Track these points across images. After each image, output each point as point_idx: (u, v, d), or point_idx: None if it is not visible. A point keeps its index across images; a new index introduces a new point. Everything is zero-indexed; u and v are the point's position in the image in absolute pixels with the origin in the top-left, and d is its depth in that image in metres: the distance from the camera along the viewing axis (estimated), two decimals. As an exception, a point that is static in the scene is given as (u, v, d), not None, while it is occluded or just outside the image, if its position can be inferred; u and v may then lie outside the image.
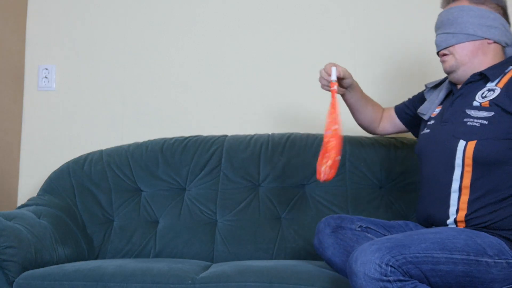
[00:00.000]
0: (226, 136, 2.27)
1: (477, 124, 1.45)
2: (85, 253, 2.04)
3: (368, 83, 2.29)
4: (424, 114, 1.66)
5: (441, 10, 1.63)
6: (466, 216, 1.45)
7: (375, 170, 2.09)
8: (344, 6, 2.40)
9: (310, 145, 2.15)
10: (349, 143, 2.14)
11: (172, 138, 2.28)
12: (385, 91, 2.30)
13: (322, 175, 1.57)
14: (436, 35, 1.60)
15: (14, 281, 1.64)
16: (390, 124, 1.89)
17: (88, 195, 2.18)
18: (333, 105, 1.61)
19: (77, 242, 2.01)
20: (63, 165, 2.27)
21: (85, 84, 2.50)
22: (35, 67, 2.53)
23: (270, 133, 2.27)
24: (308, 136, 2.19)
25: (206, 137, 2.27)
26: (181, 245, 2.06)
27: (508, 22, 1.58)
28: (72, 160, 2.28)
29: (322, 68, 1.72)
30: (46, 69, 2.51)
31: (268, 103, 2.40)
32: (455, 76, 1.59)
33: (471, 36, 1.52)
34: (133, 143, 2.31)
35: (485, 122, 1.44)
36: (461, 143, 1.46)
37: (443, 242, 1.30)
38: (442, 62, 1.60)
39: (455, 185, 1.48)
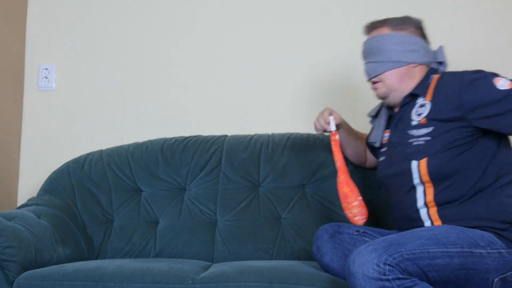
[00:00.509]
0: (226, 136, 2.27)
1: (422, 142, 1.52)
2: (85, 253, 2.04)
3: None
4: (374, 142, 1.75)
5: (365, 37, 1.70)
6: (442, 223, 1.49)
7: (375, 170, 2.09)
8: (344, 6, 2.40)
9: (310, 145, 2.15)
10: (349, 143, 2.15)
11: (172, 138, 2.28)
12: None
13: (357, 220, 1.69)
14: (365, 64, 1.68)
15: (14, 281, 1.64)
16: (372, 157, 1.96)
17: (88, 195, 2.18)
18: (336, 154, 1.72)
19: (77, 242, 2.01)
20: (63, 165, 2.27)
21: (85, 84, 2.50)
22: (35, 67, 2.53)
23: (270, 133, 2.27)
24: (308, 136, 2.19)
25: (206, 137, 2.27)
26: (181, 245, 2.06)
27: (427, 41, 1.67)
28: (72, 160, 2.28)
29: (320, 112, 1.81)
30: (46, 69, 2.51)
31: (268, 103, 2.40)
32: (388, 101, 1.67)
33: (396, 63, 1.60)
34: (133, 143, 2.31)
35: (428, 138, 1.51)
36: (414, 163, 1.52)
37: (437, 237, 1.33)
38: (374, 89, 1.68)
39: (420, 203, 1.54)
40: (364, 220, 1.69)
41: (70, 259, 1.92)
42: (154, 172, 2.19)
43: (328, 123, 1.76)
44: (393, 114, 1.68)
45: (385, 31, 1.63)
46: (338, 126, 1.82)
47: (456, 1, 2.34)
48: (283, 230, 2.04)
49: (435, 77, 1.59)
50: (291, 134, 2.22)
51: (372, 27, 1.67)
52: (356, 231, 1.64)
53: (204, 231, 2.08)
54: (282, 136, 2.22)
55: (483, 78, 1.47)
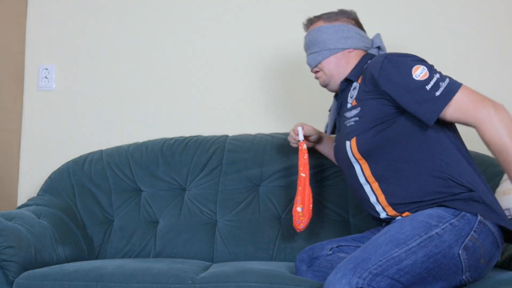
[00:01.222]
0: (227, 136, 2.27)
1: (352, 123, 1.58)
2: (85, 253, 2.04)
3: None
4: (326, 131, 1.85)
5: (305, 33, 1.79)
6: (387, 200, 1.52)
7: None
8: (344, 6, 2.40)
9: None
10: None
11: (172, 138, 2.28)
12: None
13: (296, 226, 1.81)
14: (306, 56, 1.78)
15: (14, 281, 1.64)
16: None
17: (88, 195, 2.18)
18: (300, 160, 1.82)
19: (77, 242, 2.01)
20: (63, 165, 2.27)
21: (85, 84, 2.50)
22: (35, 67, 2.53)
23: (271, 133, 2.27)
24: (308, 136, 2.20)
25: (206, 137, 2.27)
26: (181, 245, 2.06)
27: (363, 29, 1.75)
28: (72, 160, 2.28)
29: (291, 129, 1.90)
30: (46, 69, 2.51)
31: (269, 103, 2.40)
32: (330, 88, 1.76)
33: (332, 50, 1.69)
34: (133, 143, 2.31)
35: (357, 118, 1.57)
36: (347, 143, 1.59)
37: (395, 237, 1.34)
38: (316, 78, 1.78)
39: (362, 179, 1.59)
40: (298, 228, 1.80)
41: (70, 259, 1.92)
42: (154, 172, 2.19)
43: (297, 134, 1.85)
44: (338, 100, 1.76)
45: (320, 24, 1.74)
46: (312, 139, 1.92)
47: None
48: (283, 230, 2.04)
49: (371, 61, 1.61)
50: (291, 134, 2.23)
51: (309, 23, 1.78)
52: (330, 250, 1.64)
53: (204, 231, 2.08)
54: (283, 136, 2.22)
55: (402, 63, 1.49)
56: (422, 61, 1.50)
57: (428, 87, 1.43)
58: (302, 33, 2.40)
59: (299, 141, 1.85)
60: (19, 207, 2.06)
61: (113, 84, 2.49)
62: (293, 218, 1.80)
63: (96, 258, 2.08)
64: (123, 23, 2.51)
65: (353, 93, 1.63)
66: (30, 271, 1.67)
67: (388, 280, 1.28)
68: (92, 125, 2.47)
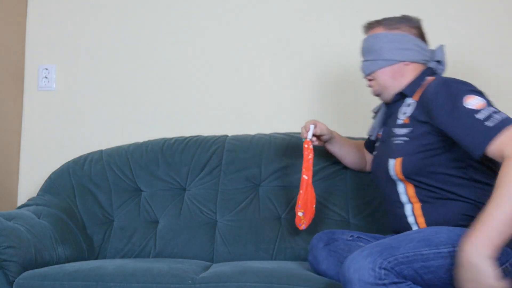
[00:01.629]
0: (227, 136, 2.27)
1: (401, 142, 1.54)
2: (85, 253, 2.04)
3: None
4: (371, 135, 1.80)
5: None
6: (426, 223, 1.51)
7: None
8: (345, 6, 2.40)
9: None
10: (349, 143, 2.15)
11: (172, 138, 2.28)
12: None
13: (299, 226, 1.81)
14: (361, 62, 1.71)
15: (14, 281, 1.64)
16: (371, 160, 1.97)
17: (88, 195, 2.18)
18: (304, 161, 1.78)
19: (77, 242, 2.01)
20: (63, 165, 2.27)
21: (85, 84, 2.50)
22: (35, 67, 2.53)
23: (270, 133, 2.27)
24: (308, 136, 2.20)
25: (206, 137, 2.27)
26: (181, 245, 2.06)
27: (424, 40, 1.66)
28: (72, 160, 2.28)
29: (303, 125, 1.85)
30: (46, 69, 2.51)
31: (269, 103, 2.40)
32: (382, 98, 1.70)
33: (388, 61, 1.62)
34: (133, 143, 2.31)
35: (407, 138, 1.53)
36: (391, 161, 1.55)
37: (428, 238, 1.33)
38: (369, 86, 1.71)
39: (403, 198, 1.56)
40: (299, 228, 1.81)
41: (70, 259, 1.92)
42: (154, 172, 2.19)
43: (308, 131, 1.81)
44: (387, 110, 1.71)
45: (379, 30, 1.66)
46: (324, 138, 1.88)
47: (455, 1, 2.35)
48: (283, 230, 2.04)
49: (429, 79, 1.58)
50: (292, 134, 2.22)
51: (369, 27, 1.70)
52: (350, 237, 1.66)
53: (204, 231, 2.08)
54: (282, 136, 2.22)
55: (457, 89, 1.44)
56: (479, 92, 1.44)
57: (481, 117, 1.36)
58: (302, 32, 2.41)
59: (305, 138, 1.80)
60: (19, 207, 2.06)
61: (113, 84, 2.49)
62: (295, 219, 1.80)
63: (96, 258, 2.08)
64: (123, 23, 2.51)
65: (406, 109, 1.57)
66: (30, 271, 1.67)
67: (411, 271, 1.27)
68: (92, 125, 2.47)
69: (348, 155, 1.98)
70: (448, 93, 1.44)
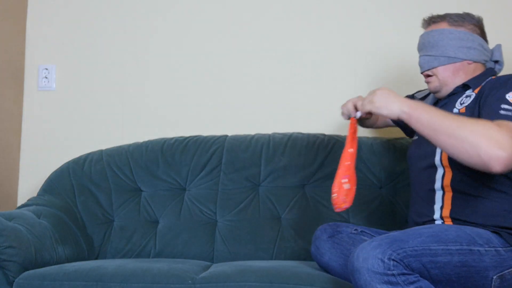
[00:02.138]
0: (227, 136, 2.27)
1: None
2: (85, 253, 2.04)
3: (368, 84, 2.29)
4: None
5: (422, 30, 1.70)
6: (450, 212, 1.52)
7: (375, 170, 2.10)
8: (344, 6, 2.40)
9: (310, 145, 2.15)
10: (349, 143, 2.15)
11: (172, 138, 2.28)
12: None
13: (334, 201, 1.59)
14: (419, 56, 1.67)
15: (14, 281, 1.64)
16: (382, 122, 1.97)
17: (88, 195, 2.18)
18: (349, 136, 1.65)
19: (77, 242, 2.01)
20: (63, 165, 2.27)
21: (85, 84, 2.50)
22: (35, 67, 2.53)
23: (270, 133, 2.27)
24: (308, 136, 2.20)
25: (206, 137, 2.27)
26: (181, 245, 2.06)
27: (485, 39, 1.66)
28: (72, 160, 2.28)
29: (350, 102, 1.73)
30: (46, 69, 2.51)
31: (269, 103, 2.39)
32: (440, 95, 1.67)
33: (452, 58, 1.60)
34: (133, 143, 2.31)
35: None
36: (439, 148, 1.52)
37: (437, 235, 1.34)
38: (427, 82, 1.68)
39: (437, 184, 1.56)
40: (337, 207, 1.60)
41: (70, 259, 1.92)
42: (154, 172, 2.19)
43: (357, 111, 1.70)
44: (439, 101, 1.69)
45: (443, 26, 1.63)
46: (368, 115, 1.74)
47: None
48: (283, 230, 2.04)
49: (493, 77, 1.59)
50: (292, 134, 2.22)
51: (431, 21, 1.67)
52: (354, 230, 1.67)
53: (204, 231, 2.08)
54: (282, 136, 2.22)
55: (508, 86, 1.46)
56: None
57: (504, 106, 1.40)
58: (302, 33, 2.41)
59: (353, 117, 1.69)
60: (19, 207, 2.05)
61: (113, 84, 2.49)
62: (337, 196, 1.59)
63: (96, 258, 2.08)
64: (123, 23, 2.51)
65: (465, 100, 1.57)
66: (30, 271, 1.67)
67: (419, 265, 1.29)
68: (92, 125, 2.47)
69: (367, 123, 1.96)
70: (501, 86, 1.46)
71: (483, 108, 1.47)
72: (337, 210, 1.60)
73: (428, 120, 1.36)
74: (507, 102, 1.41)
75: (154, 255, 2.06)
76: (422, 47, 1.66)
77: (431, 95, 1.75)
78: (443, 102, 1.65)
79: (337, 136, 2.22)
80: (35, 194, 2.28)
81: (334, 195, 1.58)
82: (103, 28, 2.52)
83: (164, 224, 2.12)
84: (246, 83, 2.42)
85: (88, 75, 2.50)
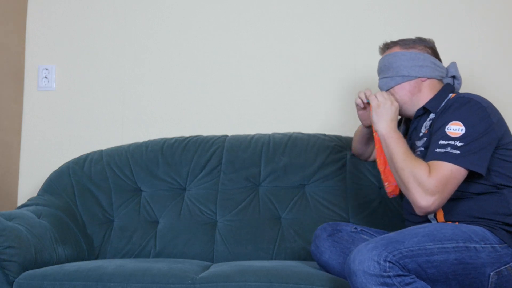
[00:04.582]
0: (227, 136, 2.27)
1: (419, 153, 1.61)
2: (85, 253, 2.04)
3: (368, 84, 2.29)
4: None
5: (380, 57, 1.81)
6: (445, 217, 1.55)
7: (375, 171, 2.09)
8: (344, 6, 2.40)
9: (311, 145, 2.15)
10: (349, 144, 2.15)
11: (172, 138, 2.28)
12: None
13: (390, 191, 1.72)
14: (379, 80, 1.78)
15: (14, 281, 1.64)
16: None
17: (88, 195, 2.18)
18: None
19: (77, 242, 2.01)
20: (63, 165, 2.27)
21: (85, 84, 2.50)
22: (35, 67, 2.53)
23: (270, 133, 2.27)
24: (308, 136, 2.20)
25: (206, 137, 2.27)
26: (181, 245, 2.06)
27: (438, 58, 1.76)
28: (72, 160, 2.28)
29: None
30: (46, 69, 2.51)
31: (270, 102, 2.40)
32: (402, 114, 1.76)
33: (406, 77, 1.70)
34: (133, 143, 2.31)
35: (423, 149, 1.61)
36: None
37: (433, 233, 1.36)
38: None
39: None
40: (389, 191, 1.71)
41: (70, 259, 1.92)
42: (154, 172, 2.19)
43: (371, 93, 1.79)
44: (410, 124, 1.76)
45: (396, 49, 1.74)
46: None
47: (468, 17, 2.35)
48: (283, 230, 2.04)
49: (452, 96, 1.64)
50: (292, 134, 2.23)
51: (385, 47, 1.79)
52: (354, 229, 1.70)
53: (204, 231, 2.08)
54: (282, 136, 2.22)
55: (456, 113, 1.53)
56: (485, 121, 1.50)
57: (441, 142, 1.49)
58: (302, 33, 2.41)
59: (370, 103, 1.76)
60: (19, 207, 2.05)
61: (113, 84, 2.49)
62: (390, 183, 1.71)
63: (96, 258, 2.08)
64: (123, 23, 2.51)
65: (427, 123, 1.65)
66: (30, 271, 1.67)
67: (415, 265, 1.31)
68: (92, 125, 2.47)
69: (364, 141, 1.98)
70: (451, 111, 1.54)
71: (431, 137, 1.55)
72: (392, 195, 1.72)
73: (390, 151, 1.56)
74: (445, 137, 1.50)
75: (154, 255, 2.06)
76: (380, 71, 1.78)
77: (403, 119, 1.82)
78: (412, 126, 1.73)
79: (337, 136, 2.23)
80: (35, 194, 2.28)
81: (386, 184, 1.71)
82: (103, 28, 2.52)
83: (164, 224, 2.12)
84: (246, 83, 2.42)
85: (88, 75, 2.50)
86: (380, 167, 1.72)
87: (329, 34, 2.40)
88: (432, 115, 1.65)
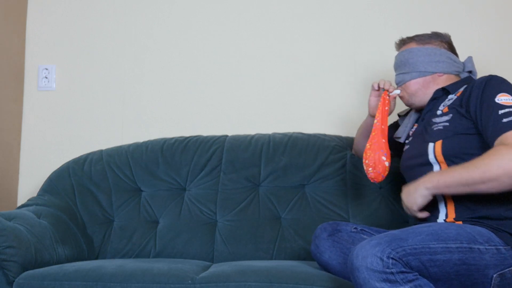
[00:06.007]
0: (227, 136, 2.27)
1: (441, 127, 1.60)
2: (85, 253, 2.04)
3: (368, 84, 2.29)
4: (399, 138, 1.83)
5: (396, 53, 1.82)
6: (455, 218, 1.53)
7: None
8: (344, 6, 2.40)
9: (311, 145, 2.15)
10: (349, 144, 2.15)
11: (172, 138, 2.28)
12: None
13: (369, 173, 1.72)
14: (395, 76, 1.80)
15: (14, 281, 1.64)
16: None
17: (88, 195, 2.18)
18: (383, 109, 1.78)
19: (77, 242, 2.01)
20: (63, 165, 2.27)
21: (85, 84, 2.50)
22: (35, 67, 2.53)
23: (270, 133, 2.27)
24: (309, 136, 2.20)
25: (206, 137, 2.27)
26: (181, 245, 2.06)
27: (455, 53, 1.78)
28: (72, 160, 2.28)
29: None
30: (46, 69, 2.51)
31: (270, 102, 2.40)
32: (415, 107, 1.78)
33: (422, 73, 1.73)
34: (133, 143, 2.31)
35: (447, 124, 1.59)
36: (430, 145, 1.60)
37: (437, 233, 1.35)
38: (400, 98, 1.81)
39: None
40: (372, 176, 1.71)
41: (70, 259, 1.92)
42: (154, 172, 2.19)
43: (390, 84, 1.83)
44: (423, 111, 1.76)
45: (412, 45, 1.76)
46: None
47: (468, 17, 2.35)
48: (283, 230, 2.04)
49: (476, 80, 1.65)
50: (292, 134, 2.23)
51: (402, 43, 1.81)
52: (354, 228, 1.69)
53: (204, 231, 2.08)
54: (282, 136, 2.22)
55: (493, 87, 1.53)
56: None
57: (502, 112, 1.47)
58: (302, 33, 2.41)
59: (385, 90, 1.80)
60: (19, 207, 2.05)
61: (113, 84, 2.49)
62: (375, 170, 1.70)
63: (96, 258, 2.08)
64: (123, 23, 2.51)
65: (447, 103, 1.64)
66: (30, 271, 1.67)
67: (418, 263, 1.30)
68: (92, 125, 2.47)
69: (367, 131, 1.95)
70: (487, 86, 1.53)
71: (481, 112, 1.51)
72: (375, 180, 1.73)
73: (455, 182, 1.45)
74: (502, 107, 1.48)
75: (154, 255, 2.06)
76: (396, 67, 1.79)
77: (412, 112, 1.82)
78: (427, 108, 1.72)
79: (337, 136, 2.23)
80: (35, 194, 2.28)
81: (369, 169, 1.71)
82: (103, 28, 2.52)
83: (164, 224, 2.12)
84: (246, 83, 2.42)
85: (88, 75, 2.51)
86: (369, 152, 1.72)
87: (329, 34, 2.40)
88: (451, 96, 1.65)
